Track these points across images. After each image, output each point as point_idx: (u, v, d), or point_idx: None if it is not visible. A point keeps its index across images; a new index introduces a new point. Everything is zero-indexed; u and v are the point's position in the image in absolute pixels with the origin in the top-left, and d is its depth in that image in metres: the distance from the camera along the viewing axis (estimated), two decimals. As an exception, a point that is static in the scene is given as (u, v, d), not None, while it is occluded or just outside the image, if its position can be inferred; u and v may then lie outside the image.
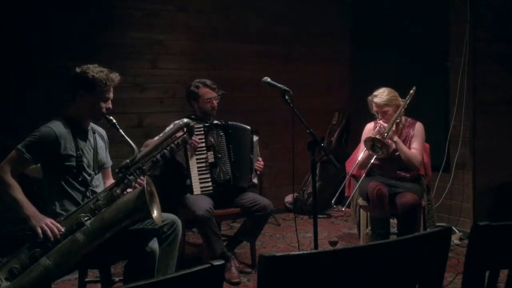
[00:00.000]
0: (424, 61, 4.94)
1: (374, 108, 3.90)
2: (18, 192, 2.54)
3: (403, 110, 3.88)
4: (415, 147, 3.88)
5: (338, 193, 4.07)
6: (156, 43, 5.00)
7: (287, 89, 3.07)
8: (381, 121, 3.94)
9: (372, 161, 3.87)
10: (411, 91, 3.93)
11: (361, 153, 3.93)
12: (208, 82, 3.88)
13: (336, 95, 5.95)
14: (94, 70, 2.73)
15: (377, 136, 3.76)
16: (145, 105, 4.95)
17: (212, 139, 3.72)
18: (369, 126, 4.06)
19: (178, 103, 4.96)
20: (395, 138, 3.81)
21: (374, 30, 5.59)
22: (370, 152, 3.78)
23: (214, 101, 3.85)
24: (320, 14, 5.82)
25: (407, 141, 3.92)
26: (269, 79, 3.22)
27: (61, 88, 4.33)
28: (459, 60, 4.59)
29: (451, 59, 4.72)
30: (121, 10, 4.83)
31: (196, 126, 3.67)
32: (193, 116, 3.91)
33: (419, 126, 3.96)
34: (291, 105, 3.03)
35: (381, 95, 3.85)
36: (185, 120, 2.95)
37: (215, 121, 3.87)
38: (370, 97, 3.93)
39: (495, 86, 4.66)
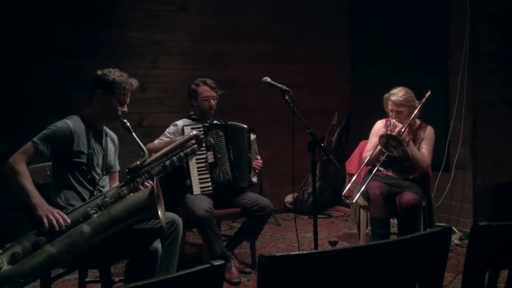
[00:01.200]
0: (424, 61, 4.94)
1: (389, 107, 3.87)
2: (28, 181, 2.57)
3: (417, 112, 3.85)
4: (424, 150, 3.87)
5: (349, 184, 4.01)
6: (156, 43, 5.00)
7: (287, 89, 3.07)
8: (394, 120, 3.93)
9: (382, 158, 3.83)
10: (427, 94, 3.90)
11: (370, 150, 3.89)
12: (209, 81, 3.89)
13: (336, 95, 5.94)
14: (115, 73, 2.82)
15: (394, 134, 3.72)
16: (145, 105, 4.94)
17: (212, 139, 3.72)
18: (380, 123, 4.04)
19: (178, 103, 4.96)
20: (407, 139, 3.78)
21: (374, 30, 5.59)
22: (384, 149, 3.72)
23: (212, 100, 3.84)
24: (320, 14, 5.82)
25: (417, 143, 3.90)
26: (269, 79, 3.23)
27: (62, 88, 4.38)
28: (459, 60, 4.59)
29: (451, 59, 4.72)
30: (121, 10, 4.83)
31: (196, 126, 3.70)
32: (193, 116, 3.91)
33: (430, 130, 3.94)
34: (291, 105, 3.03)
35: (398, 94, 3.82)
36: (195, 132, 3.09)
37: (215, 121, 3.87)
38: (386, 95, 3.89)
39: (495, 86, 4.66)
